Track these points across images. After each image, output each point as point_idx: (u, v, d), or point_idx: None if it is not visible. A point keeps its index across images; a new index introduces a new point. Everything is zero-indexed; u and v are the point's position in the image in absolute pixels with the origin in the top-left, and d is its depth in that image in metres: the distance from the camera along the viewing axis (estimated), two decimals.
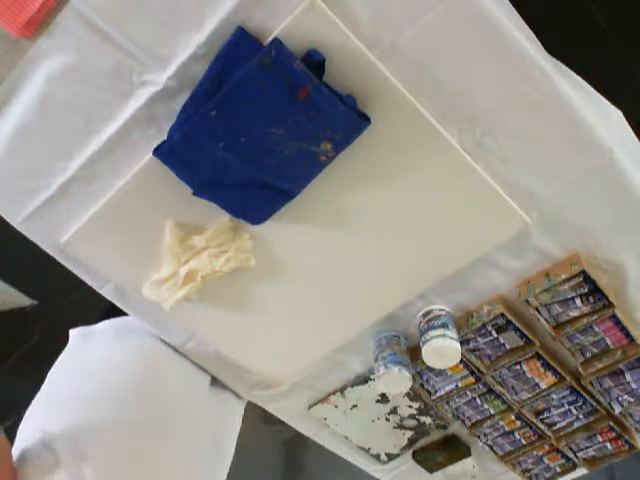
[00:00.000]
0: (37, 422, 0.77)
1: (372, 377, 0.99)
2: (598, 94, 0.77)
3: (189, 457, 0.84)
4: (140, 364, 0.91)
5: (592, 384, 0.94)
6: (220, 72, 0.64)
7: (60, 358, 0.94)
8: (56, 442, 0.72)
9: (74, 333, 0.98)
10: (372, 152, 0.71)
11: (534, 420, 1.01)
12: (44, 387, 0.87)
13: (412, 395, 1.03)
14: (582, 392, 0.96)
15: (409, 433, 1.11)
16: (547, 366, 0.93)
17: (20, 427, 0.79)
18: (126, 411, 0.81)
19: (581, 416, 1.00)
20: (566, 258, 0.81)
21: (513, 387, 0.97)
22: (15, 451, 0.73)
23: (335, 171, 0.72)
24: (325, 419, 1.08)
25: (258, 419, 1.76)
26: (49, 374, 0.89)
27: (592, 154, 0.71)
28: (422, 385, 1.00)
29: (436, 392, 1.00)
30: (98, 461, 0.72)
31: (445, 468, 1.15)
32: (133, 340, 0.94)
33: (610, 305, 0.82)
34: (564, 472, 1.12)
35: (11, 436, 0.80)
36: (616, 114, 0.81)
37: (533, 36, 0.67)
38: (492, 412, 1.02)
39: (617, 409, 0.96)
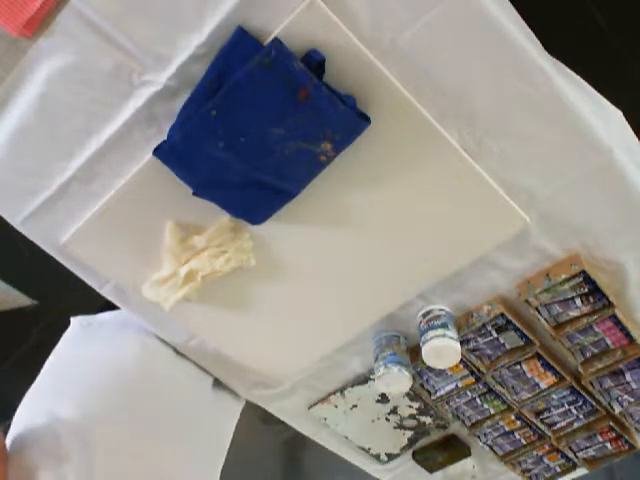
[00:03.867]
0: (41, 404, 0.77)
1: (372, 377, 0.99)
2: (598, 94, 0.77)
3: (187, 453, 0.85)
4: (143, 359, 0.91)
5: (592, 384, 0.94)
6: (220, 72, 0.64)
7: (60, 345, 0.94)
8: (63, 432, 0.73)
9: (76, 322, 0.98)
10: (372, 152, 0.71)
11: (534, 420, 1.01)
12: (45, 371, 0.87)
13: (412, 395, 1.03)
14: (582, 392, 0.96)
15: (409, 433, 1.11)
16: (547, 366, 0.93)
17: (20, 409, 0.80)
18: (128, 404, 0.82)
19: (581, 416, 1.00)
20: (566, 258, 0.81)
21: (513, 387, 0.97)
22: (16, 431, 0.74)
23: (335, 171, 0.72)
24: (325, 419, 1.08)
25: (258, 419, 1.76)
26: (50, 360, 0.90)
27: (592, 154, 0.71)
28: (422, 385, 1.00)
29: (436, 392, 1.00)
30: (105, 452, 0.73)
31: (445, 468, 1.15)
32: (136, 335, 0.95)
33: (610, 305, 0.82)
34: (564, 472, 1.12)
35: None
36: (616, 114, 0.81)
37: (533, 36, 0.67)
38: (492, 412, 1.02)
39: (617, 409, 0.96)
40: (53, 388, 0.82)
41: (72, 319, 0.99)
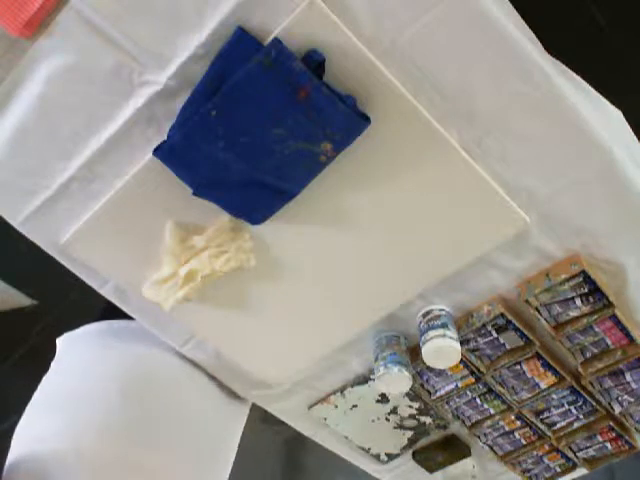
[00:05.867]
0: (29, 432, 0.77)
1: (372, 377, 0.99)
2: (598, 94, 0.77)
3: (181, 458, 0.84)
4: (125, 367, 0.90)
5: (592, 384, 0.94)
6: (220, 72, 0.64)
7: (51, 367, 0.93)
8: (45, 450, 0.73)
9: (59, 341, 0.98)
10: (372, 152, 0.71)
11: (534, 420, 1.01)
12: (35, 397, 0.86)
13: (412, 395, 1.03)
14: (582, 392, 0.96)
15: (409, 433, 1.11)
16: (547, 366, 0.93)
17: (14, 438, 0.79)
18: (113, 413, 0.81)
19: (581, 416, 1.00)
20: (566, 258, 0.81)
21: (513, 387, 0.97)
22: (12, 454, 0.73)
23: (335, 171, 0.72)
24: (325, 419, 1.08)
25: (258, 419, 1.76)
26: (41, 384, 0.89)
27: (592, 154, 0.71)
28: (422, 385, 1.00)
29: (436, 392, 1.00)
30: (86, 466, 0.72)
31: (445, 468, 1.15)
32: (118, 343, 0.94)
33: (610, 305, 0.82)
34: (564, 472, 1.12)
35: (10, 437, 0.80)
36: (616, 114, 0.81)
37: (533, 36, 0.67)
38: (492, 412, 1.02)
39: (617, 409, 0.96)
40: (48, 408, 0.81)
41: (57, 340, 0.98)
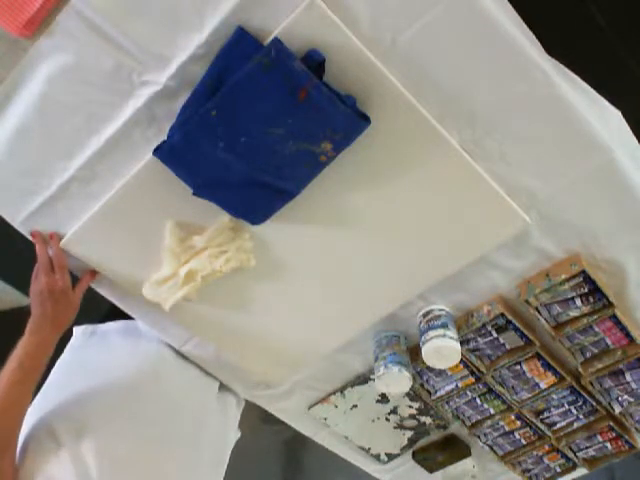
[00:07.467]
0: (41, 414, 0.78)
1: (372, 377, 0.99)
2: (598, 94, 0.77)
3: (191, 458, 0.84)
4: (145, 363, 0.92)
5: (592, 384, 0.94)
6: (220, 72, 0.64)
7: (65, 354, 0.94)
8: (57, 427, 0.73)
9: (79, 330, 0.99)
10: (372, 152, 0.71)
11: (534, 420, 1.01)
12: (48, 381, 0.87)
13: (412, 395, 1.03)
14: (582, 392, 0.96)
15: (409, 433, 1.11)
16: (547, 366, 0.93)
17: (27, 417, 0.80)
18: (127, 401, 0.82)
19: (581, 416, 1.00)
20: (566, 258, 0.81)
21: (513, 387, 0.97)
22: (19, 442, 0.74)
23: (335, 171, 0.72)
24: (325, 419, 1.08)
25: (258, 419, 1.76)
26: (54, 369, 0.90)
27: (592, 154, 0.71)
28: (422, 385, 1.00)
29: (436, 392, 1.00)
30: (98, 439, 0.73)
31: (445, 468, 1.15)
32: (140, 342, 0.95)
33: (610, 305, 0.82)
34: (564, 472, 1.12)
35: None
36: (616, 114, 0.81)
37: (533, 36, 0.67)
38: (492, 412, 1.02)
39: (617, 409, 0.96)
40: (54, 397, 0.82)
41: (75, 328, 0.99)
